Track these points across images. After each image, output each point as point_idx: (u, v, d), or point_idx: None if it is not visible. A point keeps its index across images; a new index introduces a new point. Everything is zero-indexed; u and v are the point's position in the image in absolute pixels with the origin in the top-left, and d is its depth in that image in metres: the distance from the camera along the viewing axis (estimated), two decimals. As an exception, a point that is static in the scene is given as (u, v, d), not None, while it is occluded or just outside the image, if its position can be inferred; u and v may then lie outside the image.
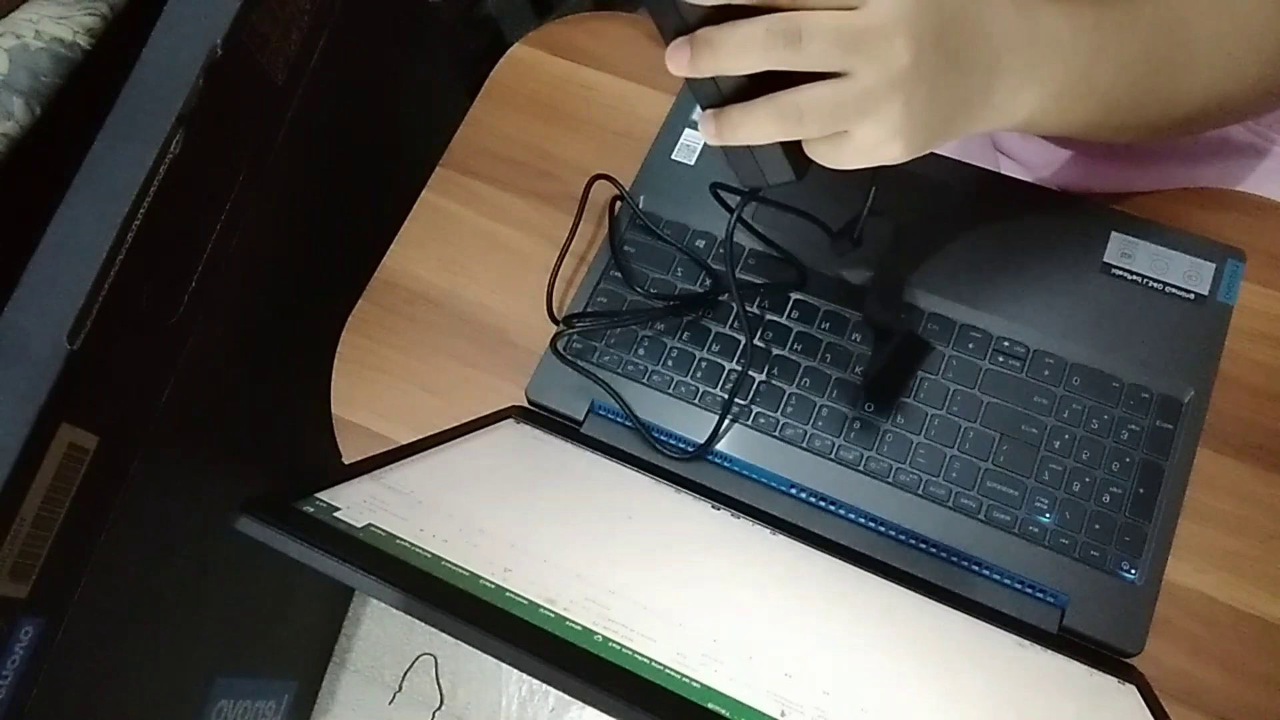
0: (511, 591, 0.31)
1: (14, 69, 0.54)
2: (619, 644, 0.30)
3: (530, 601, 0.31)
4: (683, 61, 0.33)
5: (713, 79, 0.34)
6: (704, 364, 0.50)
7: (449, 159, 0.59)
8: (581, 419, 0.50)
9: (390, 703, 1.02)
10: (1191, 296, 0.48)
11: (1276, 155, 0.54)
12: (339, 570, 0.29)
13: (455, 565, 0.32)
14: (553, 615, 0.30)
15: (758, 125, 0.34)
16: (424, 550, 0.32)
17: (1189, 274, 0.48)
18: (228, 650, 0.76)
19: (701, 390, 0.50)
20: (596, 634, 0.30)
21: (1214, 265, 0.48)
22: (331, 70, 0.63)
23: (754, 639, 0.33)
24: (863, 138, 0.34)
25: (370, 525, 0.33)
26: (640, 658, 0.29)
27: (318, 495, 0.34)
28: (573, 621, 0.30)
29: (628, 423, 0.50)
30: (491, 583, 0.31)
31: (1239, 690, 0.43)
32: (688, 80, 0.34)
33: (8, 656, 0.46)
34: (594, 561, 0.35)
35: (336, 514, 0.33)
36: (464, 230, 0.57)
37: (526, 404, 0.52)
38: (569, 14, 0.61)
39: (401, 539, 0.32)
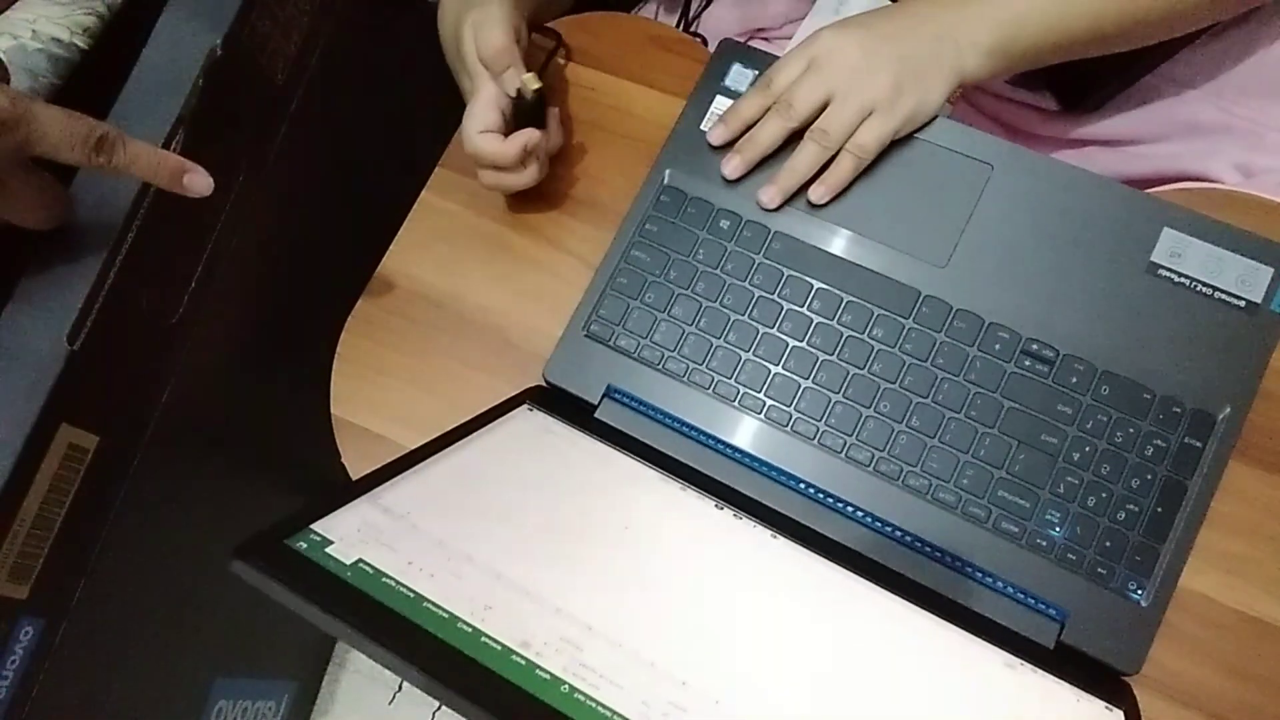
0: (487, 636, 0.31)
1: (11, 69, 0.54)
2: (584, 695, 0.30)
3: (504, 647, 0.31)
4: (739, 163, 0.51)
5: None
6: (720, 352, 0.50)
7: (449, 159, 0.59)
8: (596, 402, 0.50)
9: (390, 703, 1.02)
10: (1242, 304, 0.45)
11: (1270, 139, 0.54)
12: (326, 622, 0.30)
13: (436, 606, 0.32)
14: (523, 663, 0.31)
15: (806, 168, 0.50)
16: (408, 589, 0.33)
17: (1242, 278, 0.46)
18: (227, 651, 0.76)
19: (717, 379, 0.49)
20: (564, 683, 0.30)
21: (1272, 271, 0.45)
22: (331, 70, 0.63)
23: (725, 676, 0.33)
24: (870, 121, 0.48)
25: (359, 561, 0.33)
26: (603, 711, 0.30)
27: (313, 528, 0.34)
28: (543, 670, 0.31)
29: (641, 409, 0.50)
30: (469, 625, 0.32)
31: (1240, 693, 0.43)
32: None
33: (8, 656, 0.46)
34: (576, 591, 0.35)
35: (329, 549, 0.33)
36: (464, 230, 0.57)
37: (544, 384, 0.52)
38: (569, 14, 0.61)
39: (388, 577, 0.33)
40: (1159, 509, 0.44)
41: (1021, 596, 0.44)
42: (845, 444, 0.47)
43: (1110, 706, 0.40)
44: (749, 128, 0.51)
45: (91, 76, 0.57)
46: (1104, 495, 0.44)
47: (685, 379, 0.49)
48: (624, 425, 0.50)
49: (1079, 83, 0.56)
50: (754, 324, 0.50)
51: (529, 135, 0.50)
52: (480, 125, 0.50)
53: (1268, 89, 0.54)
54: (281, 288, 0.68)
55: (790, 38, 0.63)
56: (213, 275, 0.56)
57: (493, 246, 0.56)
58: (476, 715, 0.27)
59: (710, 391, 0.49)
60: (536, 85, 0.49)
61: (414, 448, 0.41)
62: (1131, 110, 0.56)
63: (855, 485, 0.47)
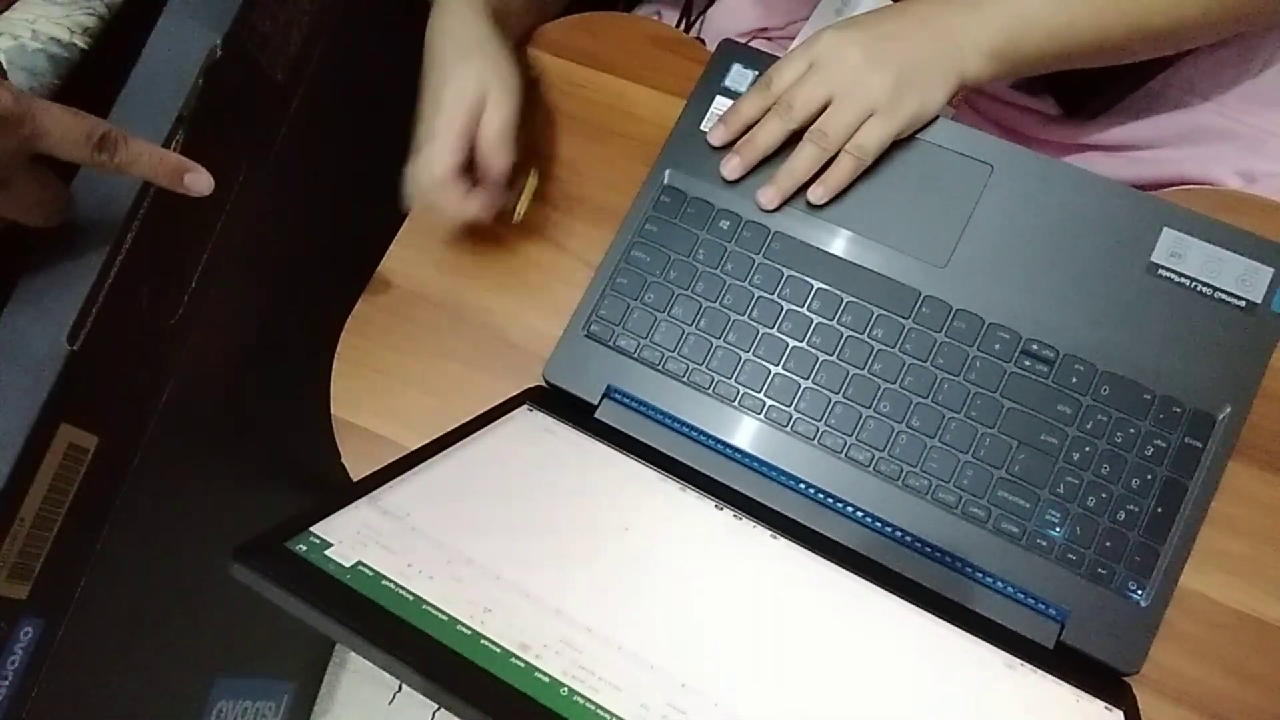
0: (486, 638, 0.31)
1: (11, 69, 0.54)
2: (583, 697, 0.30)
3: (503, 650, 0.31)
4: (738, 164, 0.51)
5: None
6: (720, 352, 0.50)
7: (449, 159, 0.59)
8: (596, 403, 0.50)
9: (390, 703, 1.02)
10: (1242, 304, 0.45)
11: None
12: (325, 624, 0.30)
13: (435, 609, 0.32)
14: (522, 665, 0.31)
15: (805, 169, 0.50)
16: (407, 592, 0.33)
17: (1243, 278, 0.46)
18: (227, 651, 0.76)
19: (717, 380, 0.49)
20: (563, 686, 0.30)
21: (1272, 271, 0.45)
22: (332, 69, 0.63)
23: (724, 678, 0.33)
24: (870, 122, 0.48)
25: (359, 564, 0.33)
26: (602, 714, 0.30)
27: (312, 530, 0.34)
28: (541, 672, 0.31)
29: (641, 409, 0.50)
30: (469, 628, 0.32)
31: (1240, 693, 0.43)
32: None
33: (8, 656, 0.46)
34: (576, 592, 0.35)
35: (328, 551, 0.33)
36: (464, 230, 0.57)
37: (544, 384, 0.52)
38: (569, 13, 0.61)
39: (388, 579, 0.33)
40: (1159, 509, 0.44)
41: (1021, 597, 0.44)
42: (845, 444, 0.47)
43: (1110, 707, 0.40)
44: (749, 128, 0.51)
45: (91, 76, 0.57)
46: (1104, 495, 0.44)
47: (685, 379, 0.49)
48: (624, 425, 0.50)
49: (1081, 88, 0.56)
50: (754, 324, 0.50)
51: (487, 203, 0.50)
52: (440, 168, 0.48)
53: (1271, 95, 0.54)
54: (281, 288, 0.68)
55: (794, 38, 0.63)
56: (213, 275, 0.56)
57: (493, 246, 0.56)
58: (475, 718, 0.27)
59: (710, 392, 0.49)
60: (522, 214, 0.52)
61: (414, 449, 0.41)
62: (1134, 116, 0.56)
63: (855, 485, 0.47)
